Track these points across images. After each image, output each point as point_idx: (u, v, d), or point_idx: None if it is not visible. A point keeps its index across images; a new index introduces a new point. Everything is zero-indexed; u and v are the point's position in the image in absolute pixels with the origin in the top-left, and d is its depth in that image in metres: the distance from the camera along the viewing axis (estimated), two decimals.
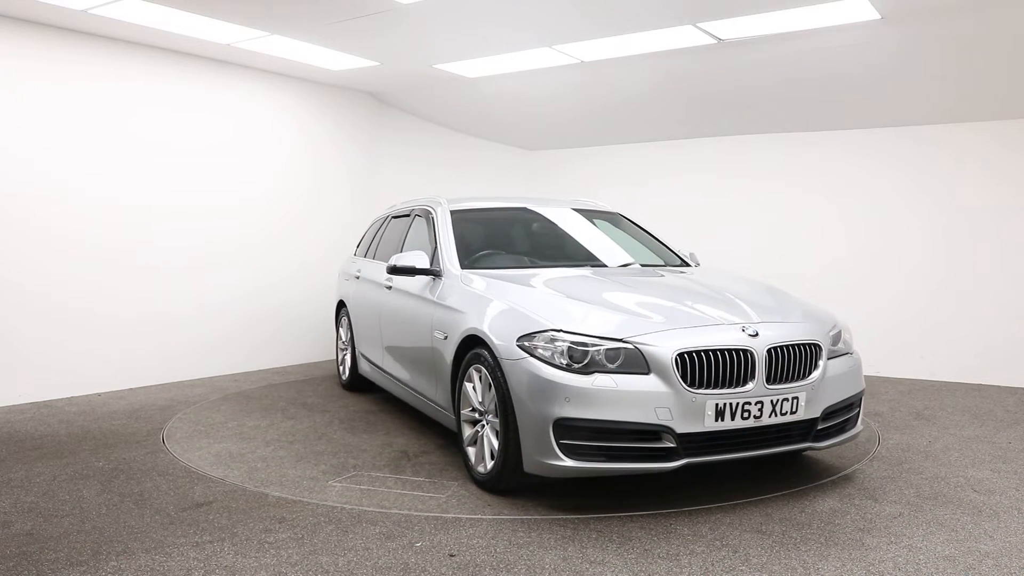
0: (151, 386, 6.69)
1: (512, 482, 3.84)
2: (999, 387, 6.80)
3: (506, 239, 5.35)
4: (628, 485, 4.02)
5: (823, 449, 3.99)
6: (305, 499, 3.85)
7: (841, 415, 4.01)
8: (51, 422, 5.40)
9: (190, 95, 7.00)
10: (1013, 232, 6.90)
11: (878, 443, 4.94)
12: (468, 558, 3.14)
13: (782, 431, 3.74)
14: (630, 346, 3.55)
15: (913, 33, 5.62)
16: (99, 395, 6.31)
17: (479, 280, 4.43)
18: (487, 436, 3.94)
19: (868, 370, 7.47)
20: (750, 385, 3.59)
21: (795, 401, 3.69)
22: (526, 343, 3.66)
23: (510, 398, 3.68)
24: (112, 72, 6.46)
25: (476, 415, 4.05)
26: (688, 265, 5.25)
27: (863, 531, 3.44)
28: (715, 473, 4.22)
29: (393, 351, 5.44)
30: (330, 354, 8.24)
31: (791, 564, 3.09)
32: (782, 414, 3.67)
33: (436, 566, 3.06)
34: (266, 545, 3.27)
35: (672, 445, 3.52)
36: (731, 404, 3.55)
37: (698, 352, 3.55)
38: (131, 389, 6.55)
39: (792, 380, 3.72)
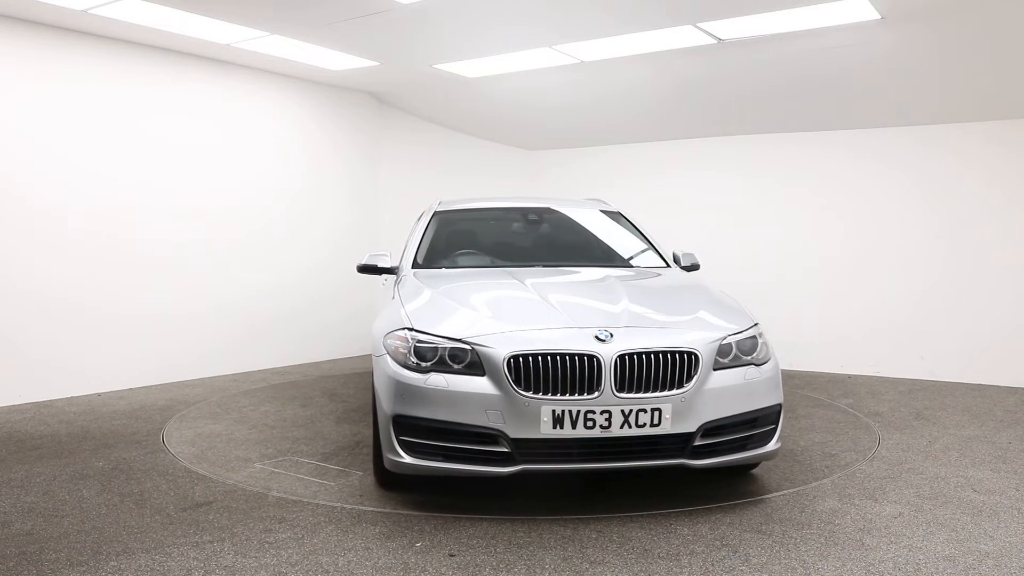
0: (151, 386, 6.69)
1: (384, 476, 3.89)
2: (999, 387, 6.80)
3: (487, 238, 5.38)
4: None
5: (701, 468, 3.58)
6: (223, 479, 3.98)
7: (735, 432, 3.64)
8: (51, 422, 5.40)
9: (190, 95, 7.00)
10: (1013, 232, 6.90)
11: (878, 443, 4.95)
12: (468, 558, 3.14)
13: (647, 444, 3.49)
14: (467, 347, 3.51)
15: (913, 33, 5.62)
16: (99, 395, 6.31)
17: (411, 280, 4.50)
18: None
19: (868, 369, 7.50)
20: (596, 393, 3.40)
21: (656, 413, 3.42)
22: (387, 340, 3.74)
23: (374, 394, 3.79)
24: (112, 72, 6.46)
25: None
26: (668, 266, 5.04)
27: (863, 531, 3.44)
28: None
29: None
30: (335, 353, 8.30)
31: (791, 564, 3.09)
32: (639, 426, 3.41)
33: (436, 566, 3.06)
34: (266, 545, 3.27)
35: (506, 450, 3.42)
36: (571, 412, 3.37)
37: (533, 355, 3.42)
38: (131, 389, 6.55)
39: (656, 390, 3.46)
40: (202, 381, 6.96)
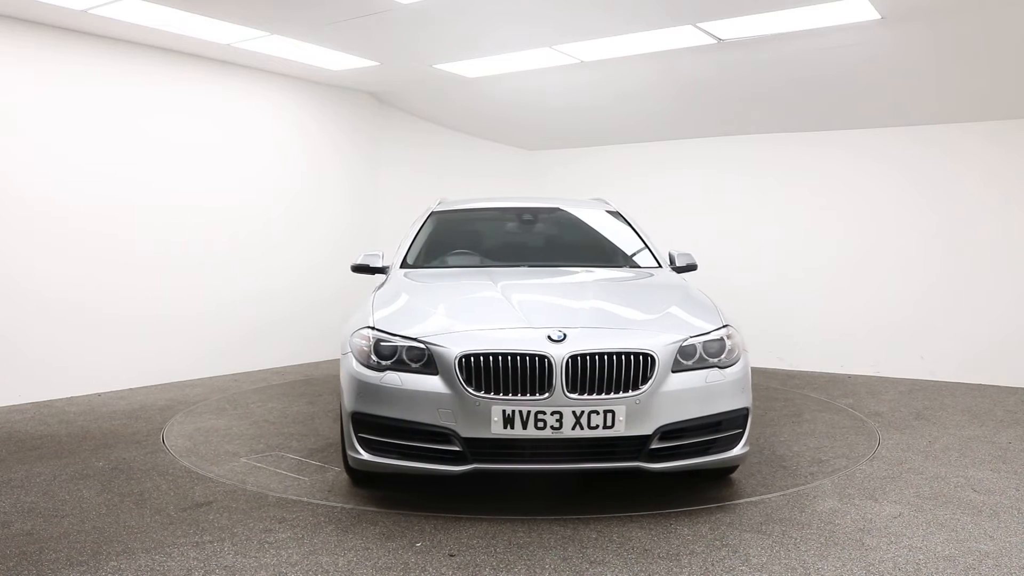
0: (151, 386, 6.69)
1: (354, 473, 3.95)
2: (999, 387, 6.80)
3: (479, 238, 5.39)
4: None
5: (660, 472, 3.55)
6: (206, 471, 4.08)
7: (696, 435, 3.58)
8: (51, 422, 5.40)
9: (190, 95, 7.00)
10: (1012, 232, 6.90)
11: (878, 443, 4.95)
12: (468, 558, 3.14)
13: (602, 446, 3.46)
14: (422, 346, 3.55)
15: (913, 33, 5.62)
16: (99, 395, 6.31)
17: (392, 280, 4.58)
18: None
19: (868, 369, 7.50)
20: (547, 394, 3.38)
21: (609, 415, 3.39)
22: (352, 339, 3.82)
23: (340, 391, 3.86)
24: (112, 72, 6.46)
25: None
26: (659, 267, 4.91)
27: (863, 531, 3.44)
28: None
29: None
30: (335, 353, 8.30)
31: (791, 564, 3.09)
32: (591, 428, 3.38)
33: (436, 566, 3.06)
34: (266, 545, 3.27)
35: (458, 449, 3.45)
36: (521, 412, 3.36)
37: (484, 355, 3.43)
38: (131, 389, 6.55)
39: (609, 392, 3.41)
40: (202, 381, 6.96)
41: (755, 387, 6.81)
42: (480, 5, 5.39)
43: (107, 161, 6.45)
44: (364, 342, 3.71)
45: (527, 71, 7.07)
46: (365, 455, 3.62)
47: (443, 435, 3.45)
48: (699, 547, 3.25)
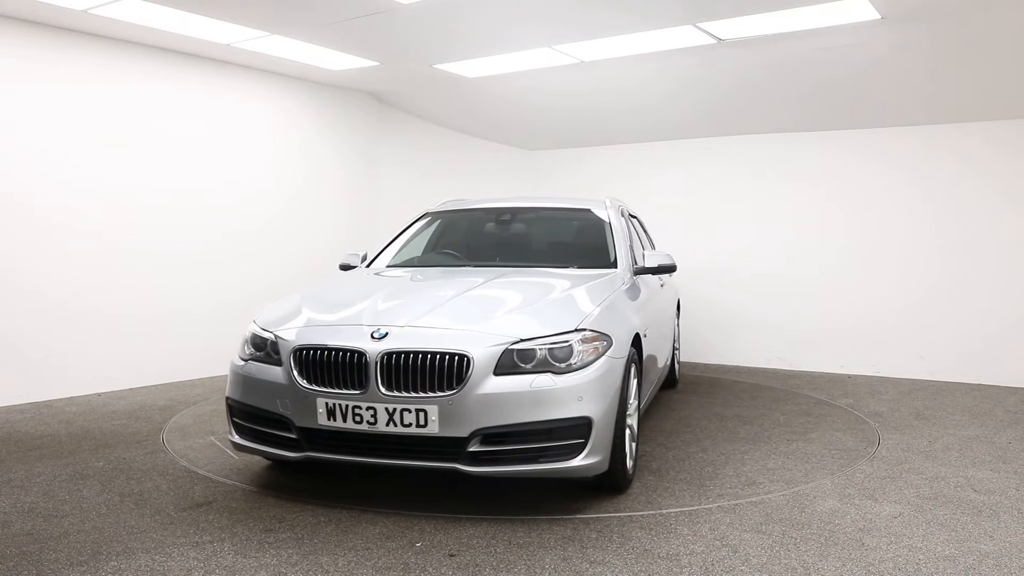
0: (151, 386, 6.69)
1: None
2: (999, 387, 6.81)
3: (455, 239, 5.43)
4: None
5: (482, 476, 3.47)
6: (173, 446, 4.20)
7: (525, 441, 3.43)
8: (51, 422, 5.40)
9: (190, 95, 7.00)
10: (1012, 232, 6.90)
11: (878, 443, 4.95)
12: (468, 558, 3.14)
13: (420, 444, 3.46)
14: (273, 338, 3.80)
15: (913, 33, 5.62)
16: (99, 395, 6.31)
17: (329, 278, 4.81)
18: None
19: (868, 369, 7.49)
20: (363, 389, 3.48)
21: (422, 414, 3.40)
22: (247, 332, 4.07)
23: None
24: (112, 72, 6.46)
25: None
26: (615, 268, 4.70)
27: (863, 531, 3.44)
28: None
29: None
30: None
31: (791, 564, 3.09)
32: (404, 425, 3.42)
33: (436, 566, 3.06)
34: (266, 545, 3.27)
35: (294, 436, 3.65)
36: (341, 405, 3.51)
37: (313, 349, 3.62)
38: (131, 389, 6.55)
39: (423, 391, 3.42)
40: (202, 381, 6.96)
41: (755, 387, 6.86)
42: (480, 5, 5.39)
43: (107, 161, 6.45)
44: (247, 334, 3.99)
45: (527, 71, 7.06)
46: (236, 438, 3.93)
47: (283, 423, 3.68)
48: (699, 547, 3.25)
